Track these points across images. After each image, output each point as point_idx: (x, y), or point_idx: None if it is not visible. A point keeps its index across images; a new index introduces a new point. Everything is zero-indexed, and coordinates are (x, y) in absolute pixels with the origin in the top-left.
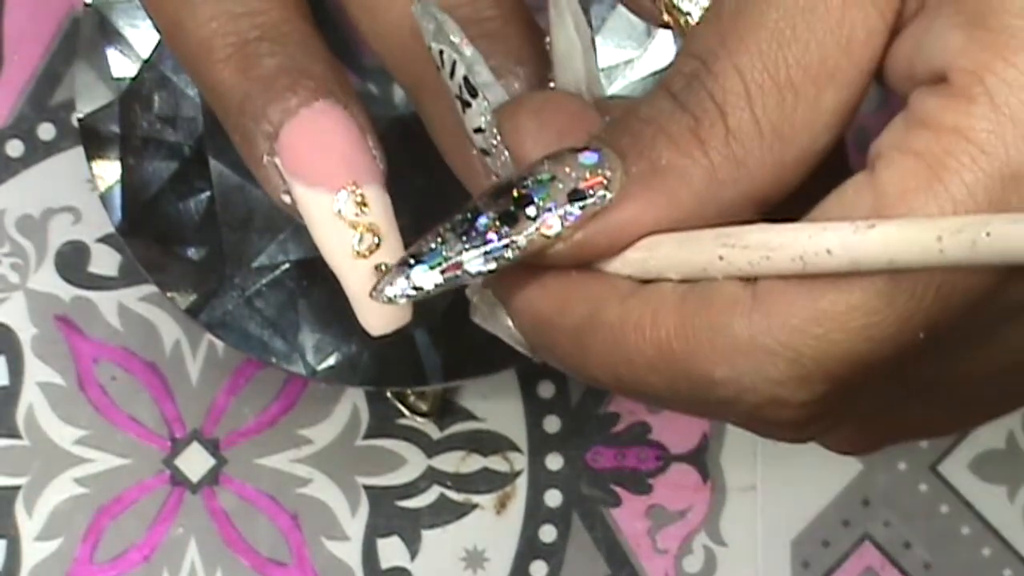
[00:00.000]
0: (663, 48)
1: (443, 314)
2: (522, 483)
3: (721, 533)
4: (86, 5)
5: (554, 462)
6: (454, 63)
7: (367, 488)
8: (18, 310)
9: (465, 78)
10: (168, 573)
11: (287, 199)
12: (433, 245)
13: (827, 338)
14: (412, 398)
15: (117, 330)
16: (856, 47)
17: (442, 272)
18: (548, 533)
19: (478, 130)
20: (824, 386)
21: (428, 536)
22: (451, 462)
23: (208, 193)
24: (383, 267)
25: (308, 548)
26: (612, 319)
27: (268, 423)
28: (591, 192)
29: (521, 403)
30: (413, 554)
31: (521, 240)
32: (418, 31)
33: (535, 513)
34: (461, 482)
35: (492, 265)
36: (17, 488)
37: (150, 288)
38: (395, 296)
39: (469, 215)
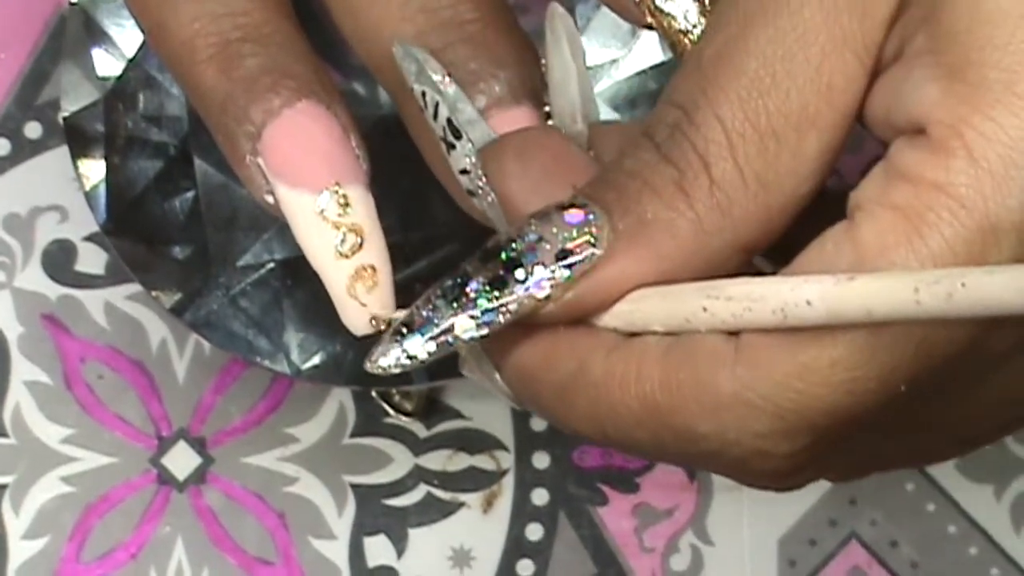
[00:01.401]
0: (648, 48)
1: None
2: (509, 482)
3: (708, 532)
4: (71, 4)
5: (541, 461)
6: (436, 104)
7: (354, 487)
8: (4, 309)
9: (448, 120)
10: (155, 572)
11: (270, 199)
12: (425, 313)
13: (809, 392)
14: (397, 397)
15: (104, 329)
16: (836, 94)
17: (434, 340)
18: (535, 532)
19: (463, 171)
20: (807, 438)
21: (415, 535)
22: (438, 461)
23: (193, 192)
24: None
25: (295, 547)
26: (597, 374)
27: (255, 422)
28: (579, 251)
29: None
30: (400, 552)
31: (512, 305)
32: (399, 36)
33: (522, 512)
34: (448, 481)
35: (484, 331)
36: (3, 487)
37: (137, 287)
38: (389, 366)
39: (459, 280)
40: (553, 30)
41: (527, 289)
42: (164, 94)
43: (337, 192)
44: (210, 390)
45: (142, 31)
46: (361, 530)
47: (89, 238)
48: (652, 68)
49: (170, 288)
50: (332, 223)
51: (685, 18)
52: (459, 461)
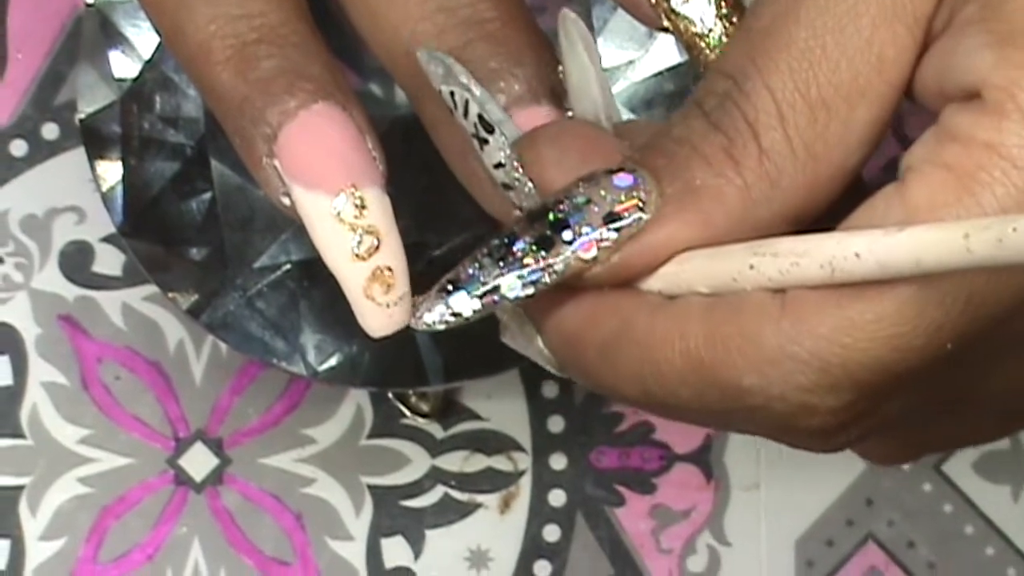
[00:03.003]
0: (664, 49)
1: None
2: (526, 483)
3: (725, 532)
4: (88, 5)
5: (558, 462)
6: (467, 102)
7: (371, 488)
8: (22, 310)
9: (480, 116)
10: (172, 573)
11: (286, 201)
12: (471, 271)
13: (855, 347)
14: (414, 399)
15: (121, 330)
16: (887, 65)
17: (480, 298)
18: (552, 533)
19: (498, 165)
20: (852, 394)
21: (432, 536)
22: (455, 462)
23: (210, 193)
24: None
25: (312, 548)
26: (640, 333)
27: (272, 423)
28: (627, 215)
29: (525, 403)
30: (417, 554)
31: (558, 265)
32: (417, 36)
33: (539, 513)
34: (465, 482)
35: (530, 291)
36: (21, 488)
37: (154, 288)
38: (433, 322)
39: (506, 240)
40: (567, 34)
41: (573, 250)
42: (181, 95)
43: (353, 194)
44: (227, 391)
45: (158, 33)
46: (378, 531)
47: (106, 239)
48: (669, 70)
49: (187, 289)
50: (348, 225)
51: (702, 21)
52: (476, 462)
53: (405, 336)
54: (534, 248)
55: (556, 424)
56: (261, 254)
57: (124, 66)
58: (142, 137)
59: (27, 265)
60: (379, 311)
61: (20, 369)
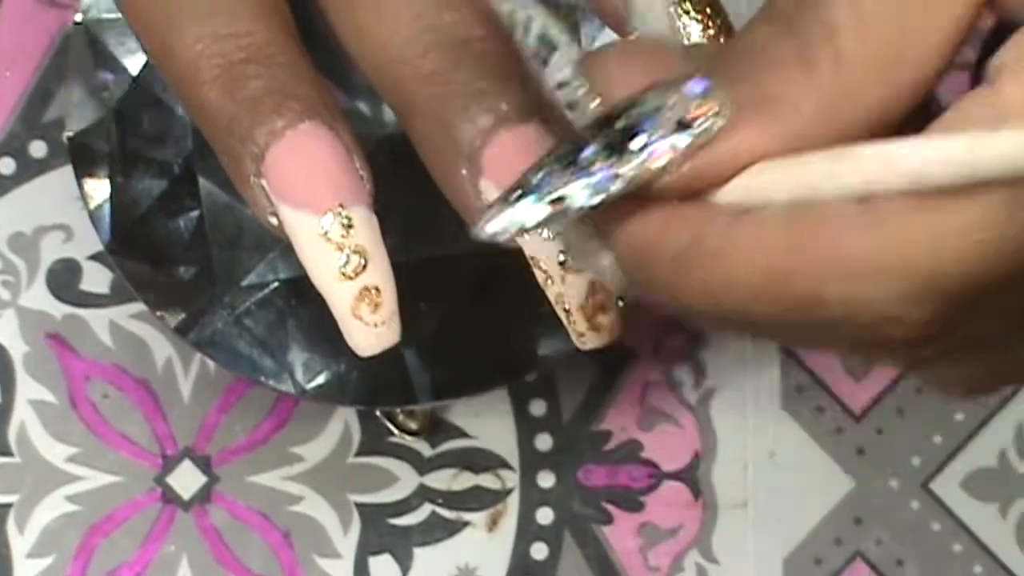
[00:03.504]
0: None
1: (433, 334)
2: (514, 501)
3: (713, 551)
4: (75, 24)
5: (546, 480)
6: (528, 20)
7: (359, 506)
8: (9, 328)
9: (541, 35)
10: None
11: (274, 221)
12: (537, 178)
13: (942, 256)
14: (401, 416)
15: (109, 348)
16: None
17: (546, 205)
18: (540, 551)
19: (561, 84)
20: (938, 305)
21: (420, 554)
22: (443, 480)
23: (197, 212)
24: (370, 290)
25: (300, 566)
26: (715, 246)
27: (260, 441)
28: (698, 122)
29: (513, 421)
30: (405, 571)
31: (628, 173)
32: (405, 55)
33: (527, 531)
34: (453, 500)
35: (598, 199)
36: (8, 506)
37: (141, 306)
38: (497, 232)
39: (574, 147)
40: None
41: (643, 158)
42: (168, 113)
43: (340, 214)
44: (215, 409)
45: (146, 52)
46: (366, 549)
47: (94, 257)
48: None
49: (175, 308)
50: (335, 244)
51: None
52: (464, 480)
53: (393, 354)
54: (603, 155)
55: (544, 442)
56: (249, 272)
57: (112, 84)
58: (130, 155)
59: (15, 283)
60: (367, 330)
61: (8, 387)
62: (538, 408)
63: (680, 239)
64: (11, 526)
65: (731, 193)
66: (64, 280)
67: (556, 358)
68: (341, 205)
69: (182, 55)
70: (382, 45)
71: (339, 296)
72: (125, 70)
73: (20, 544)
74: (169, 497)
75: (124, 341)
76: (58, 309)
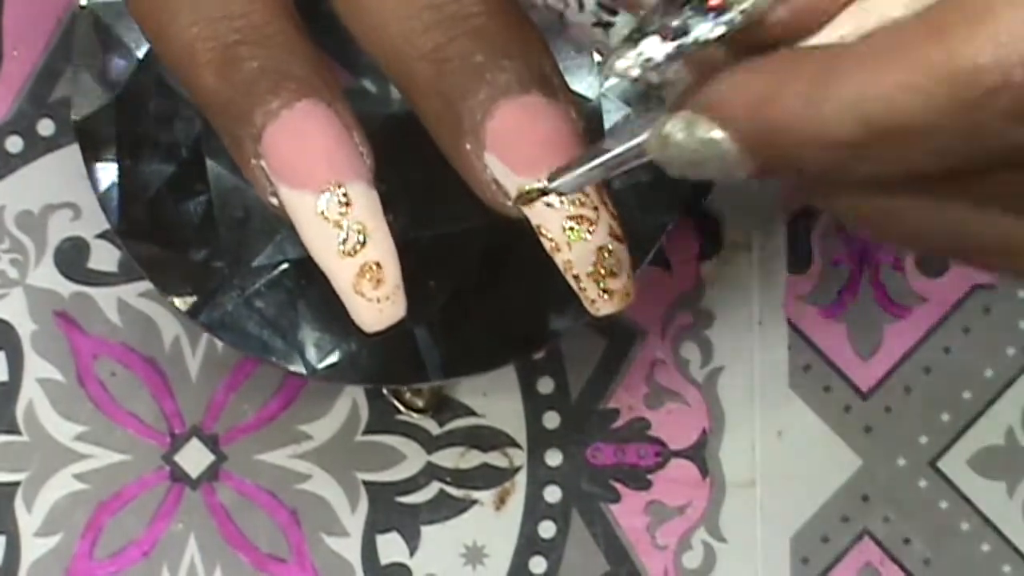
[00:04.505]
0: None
1: (442, 310)
2: (521, 479)
3: (720, 529)
4: (81, 7)
5: (553, 458)
6: None
7: (366, 484)
8: (18, 306)
9: (599, 2)
10: (167, 569)
11: (275, 200)
12: (657, 17)
13: None
14: (408, 395)
15: (116, 326)
16: None
17: (672, 40)
18: (547, 529)
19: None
20: None
21: (427, 532)
22: (450, 458)
23: (206, 194)
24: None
25: (308, 544)
26: (850, 61)
27: (268, 419)
28: None
29: (520, 399)
30: (412, 550)
31: (746, 4)
32: (406, 34)
33: (534, 509)
34: (460, 478)
35: (721, 29)
36: (16, 484)
37: (149, 284)
38: (626, 68)
39: None
40: None
41: None
42: (175, 97)
43: (337, 191)
44: (223, 387)
45: (145, 37)
46: (374, 527)
47: (101, 235)
48: None
49: (185, 290)
50: (333, 222)
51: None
52: (472, 458)
53: (404, 332)
54: None
55: (552, 420)
56: (258, 253)
57: (118, 67)
58: (137, 139)
59: (23, 262)
60: (370, 306)
61: (16, 365)
62: (546, 386)
63: (810, 70)
64: (19, 504)
65: (843, 26)
66: (72, 258)
67: (566, 334)
68: (338, 183)
69: (177, 39)
70: (384, 25)
71: (340, 273)
72: (131, 54)
73: (28, 522)
74: (177, 475)
75: (132, 319)
76: (66, 287)
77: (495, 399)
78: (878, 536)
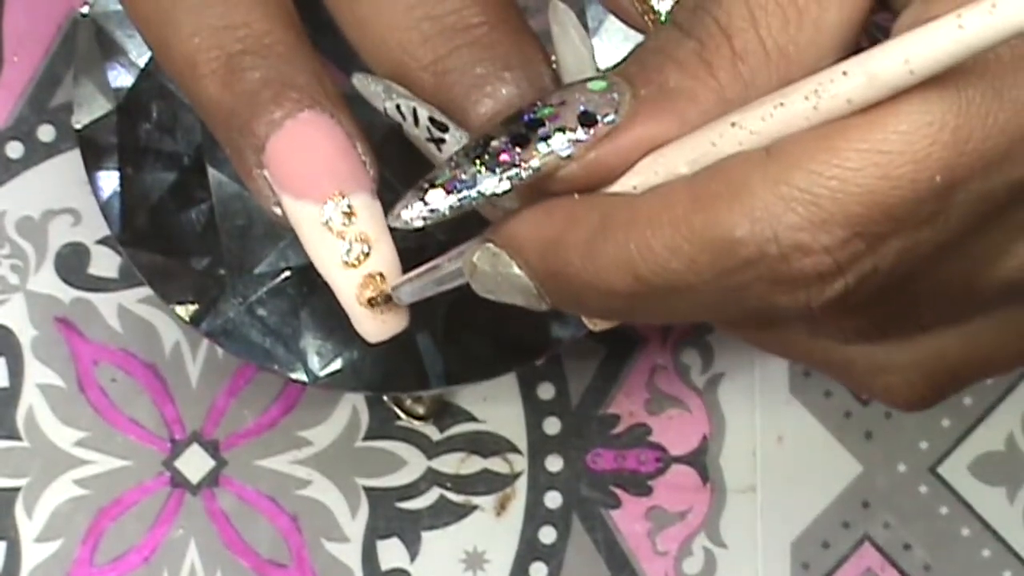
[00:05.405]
0: None
1: (445, 318)
2: (522, 485)
3: (721, 535)
4: (82, 16)
5: (554, 464)
6: (414, 110)
7: (367, 489)
8: (18, 312)
9: (431, 119)
10: (168, 575)
11: (278, 211)
12: (447, 170)
13: (843, 177)
14: (409, 402)
15: (117, 332)
16: None
17: (456, 194)
18: (548, 535)
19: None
20: (845, 230)
21: (428, 537)
22: (451, 464)
23: (208, 202)
24: (375, 277)
25: (308, 550)
26: (624, 217)
27: (268, 425)
28: (601, 114)
29: (521, 405)
30: (413, 556)
31: (534, 162)
32: (405, 45)
33: (535, 515)
34: (461, 483)
35: (506, 185)
36: (17, 490)
37: (150, 290)
38: (411, 219)
39: (482, 140)
40: (559, 23)
41: (549, 147)
42: (177, 104)
43: (341, 202)
44: (223, 393)
45: (148, 46)
46: (374, 533)
47: (102, 241)
48: None
49: (187, 298)
50: (337, 233)
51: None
52: (472, 464)
53: (406, 340)
54: (510, 145)
55: (552, 426)
56: (260, 261)
57: (120, 76)
58: (139, 147)
59: (23, 267)
60: (373, 317)
61: (16, 371)
62: (546, 392)
63: (589, 223)
64: (20, 510)
65: (634, 176)
66: (72, 264)
67: (566, 342)
68: (342, 193)
69: (179, 49)
70: (382, 36)
71: (343, 284)
72: (133, 62)
73: (28, 528)
74: (177, 481)
75: (132, 325)
76: (66, 293)
77: (496, 405)
78: (878, 542)
